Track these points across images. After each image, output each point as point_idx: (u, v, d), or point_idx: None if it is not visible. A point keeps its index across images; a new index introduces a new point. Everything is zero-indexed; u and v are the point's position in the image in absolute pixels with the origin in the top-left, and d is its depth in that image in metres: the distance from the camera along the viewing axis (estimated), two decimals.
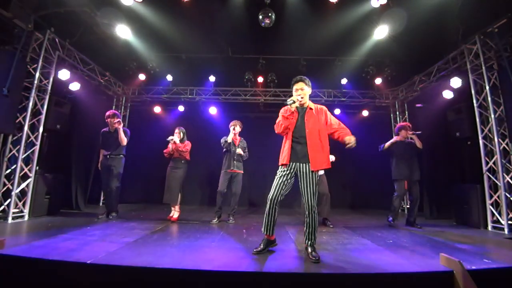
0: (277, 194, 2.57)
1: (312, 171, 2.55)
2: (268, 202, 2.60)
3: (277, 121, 2.71)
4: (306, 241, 2.55)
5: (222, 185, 4.58)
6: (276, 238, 2.79)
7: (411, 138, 4.49)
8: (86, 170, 6.03)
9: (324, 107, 2.77)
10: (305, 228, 2.59)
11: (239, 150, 4.62)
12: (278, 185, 2.59)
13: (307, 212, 2.55)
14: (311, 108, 2.70)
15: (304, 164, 2.57)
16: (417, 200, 4.36)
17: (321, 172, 4.42)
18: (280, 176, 2.61)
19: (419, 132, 4.52)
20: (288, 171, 2.60)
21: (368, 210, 6.56)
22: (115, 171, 4.48)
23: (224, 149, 4.68)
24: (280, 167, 2.68)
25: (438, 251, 2.45)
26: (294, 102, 2.62)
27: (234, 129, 4.65)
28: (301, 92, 2.65)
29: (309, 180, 2.54)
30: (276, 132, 2.73)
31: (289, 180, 2.61)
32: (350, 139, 2.60)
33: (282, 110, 2.71)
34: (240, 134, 4.85)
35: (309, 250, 2.48)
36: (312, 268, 2.18)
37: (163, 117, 7.46)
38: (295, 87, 2.71)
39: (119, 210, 4.71)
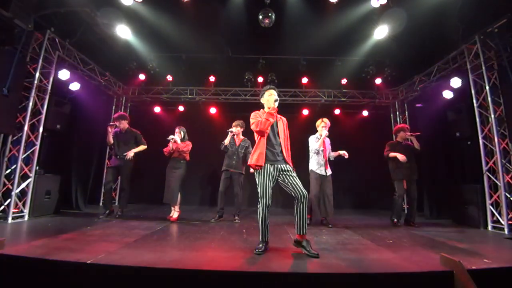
0: (268, 198, 2.64)
1: (292, 168, 2.75)
2: (261, 207, 2.64)
3: (258, 121, 2.69)
4: (299, 232, 2.60)
5: (222, 185, 4.59)
6: (276, 238, 2.84)
7: (410, 140, 4.51)
8: (86, 170, 6.02)
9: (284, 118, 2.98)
10: (296, 217, 2.62)
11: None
12: (267, 188, 2.65)
13: (301, 200, 2.59)
14: (281, 117, 2.94)
15: (283, 165, 2.72)
16: (415, 200, 4.42)
17: (329, 172, 4.42)
18: (265, 180, 2.66)
19: (419, 133, 4.56)
20: (269, 172, 2.66)
21: (368, 210, 6.55)
22: (125, 172, 4.61)
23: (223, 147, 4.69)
24: (260, 168, 2.67)
25: (438, 251, 2.45)
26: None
27: (231, 131, 4.61)
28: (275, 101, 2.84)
29: (293, 174, 2.69)
30: (258, 129, 2.68)
31: (273, 183, 2.68)
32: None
33: (260, 113, 2.80)
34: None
35: (304, 244, 2.56)
36: (312, 268, 2.18)
37: (163, 117, 7.46)
38: (269, 92, 2.86)
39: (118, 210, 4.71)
